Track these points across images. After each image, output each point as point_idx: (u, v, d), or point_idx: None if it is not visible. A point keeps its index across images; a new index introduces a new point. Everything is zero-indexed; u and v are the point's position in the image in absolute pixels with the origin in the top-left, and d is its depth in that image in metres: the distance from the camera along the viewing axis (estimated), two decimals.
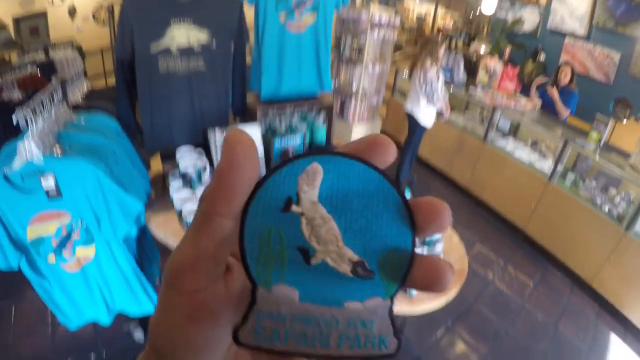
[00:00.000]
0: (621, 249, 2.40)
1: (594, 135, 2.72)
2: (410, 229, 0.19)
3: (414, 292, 1.43)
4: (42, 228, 1.27)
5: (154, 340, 0.22)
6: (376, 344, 0.20)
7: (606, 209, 2.53)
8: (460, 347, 2.22)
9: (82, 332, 2.07)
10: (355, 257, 0.19)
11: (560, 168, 2.82)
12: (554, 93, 3.06)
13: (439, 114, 3.09)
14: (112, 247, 1.42)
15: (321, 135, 1.91)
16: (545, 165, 2.98)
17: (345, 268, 0.19)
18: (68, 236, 1.33)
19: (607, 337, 2.36)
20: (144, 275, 1.52)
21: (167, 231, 1.36)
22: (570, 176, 2.83)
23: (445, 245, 1.57)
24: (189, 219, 1.28)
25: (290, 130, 1.77)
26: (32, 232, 1.26)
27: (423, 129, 3.11)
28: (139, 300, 1.54)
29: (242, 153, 0.18)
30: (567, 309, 2.53)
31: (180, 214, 1.34)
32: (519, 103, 3.28)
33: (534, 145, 3.25)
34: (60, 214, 1.28)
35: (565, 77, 3.04)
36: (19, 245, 1.27)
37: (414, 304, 1.42)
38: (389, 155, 0.20)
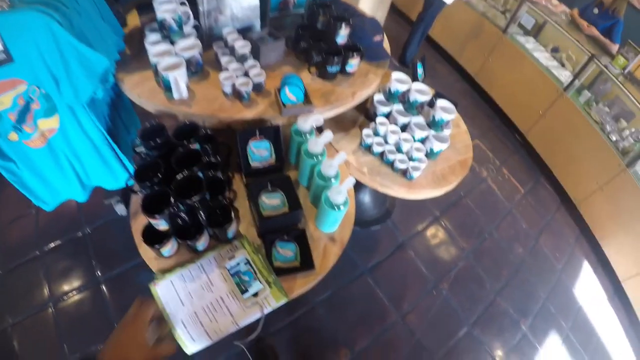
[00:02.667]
0: (616, 183, 2.35)
1: (620, 60, 2.49)
2: None
3: (414, 175, 1.34)
4: None
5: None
6: None
7: (613, 138, 2.42)
8: (443, 238, 2.27)
9: (64, 211, 2.03)
10: None
11: (577, 83, 2.62)
12: (593, 31, 2.70)
13: None
14: (77, 114, 1.24)
15: None
16: (563, 75, 2.77)
17: None
18: (26, 107, 1.13)
19: (580, 263, 2.43)
20: (117, 145, 1.38)
21: (142, 92, 1.18)
22: (586, 94, 2.65)
23: (452, 131, 1.45)
24: (166, 75, 1.10)
25: None
26: None
27: (441, 4, 2.81)
28: (114, 173, 1.42)
29: None
30: (550, 224, 2.56)
31: (155, 69, 1.16)
32: (550, 3, 2.92)
33: (555, 52, 2.99)
34: (15, 82, 1.06)
35: None
36: None
37: (412, 189, 1.34)
38: None
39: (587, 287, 2.31)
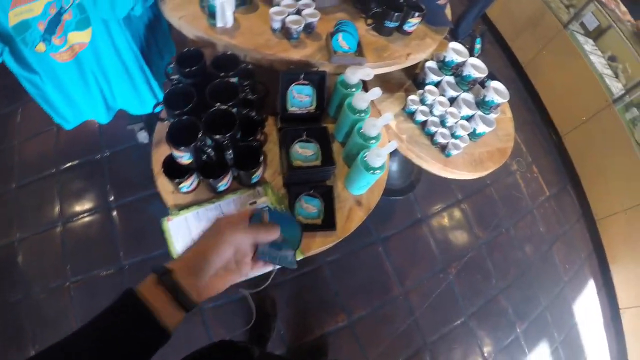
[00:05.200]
0: None
1: None
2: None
3: (452, 153, 1.26)
4: (27, 9, 0.99)
5: (193, 250, 0.51)
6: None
7: None
8: (460, 223, 2.22)
9: (86, 132, 2.01)
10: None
11: (627, 98, 2.45)
12: None
13: None
14: (112, 30, 1.16)
15: None
16: (615, 86, 2.59)
17: None
18: (58, 17, 1.05)
19: (586, 281, 2.37)
20: (150, 69, 1.32)
21: (184, 15, 1.10)
22: (634, 111, 2.48)
23: (498, 116, 1.35)
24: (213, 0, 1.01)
25: None
26: (15, 17, 0.98)
27: None
28: (142, 97, 1.36)
29: None
30: (566, 234, 2.49)
31: None
32: (619, 8, 2.68)
33: (612, 60, 2.79)
34: None
35: None
36: (1, 34, 1.01)
37: (447, 167, 1.28)
38: None
39: (586, 306, 2.27)
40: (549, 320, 2.10)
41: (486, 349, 1.89)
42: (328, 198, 0.99)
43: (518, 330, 2.00)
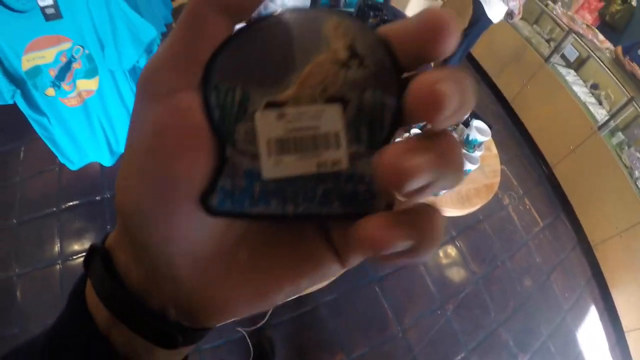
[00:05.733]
0: (636, 232, 2.25)
1: None
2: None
3: (440, 192, 1.32)
4: (39, 55, 1.09)
5: (119, 204, 0.17)
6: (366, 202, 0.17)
7: None
8: (456, 259, 2.24)
9: (88, 173, 2.07)
10: None
11: (612, 123, 2.55)
12: (635, 69, 2.58)
13: (509, 14, 2.68)
14: (117, 80, 1.27)
15: None
16: (599, 113, 2.70)
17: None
18: (68, 65, 1.16)
19: (587, 307, 2.36)
20: None
21: None
22: (619, 136, 2.58)
23: (483, 154, 1.42)
24: None
25: None
26: (27, 62, 1.09)
27: (488, 22, 2.75)
28: None
29: None
30: (563, 262, 2.50)
31: None
32: (597, 38, 2.85)
33: (594, 88, 2.92)
34: (60, 38, 1.09)
35: None
36: (14, 77, 1.11)
37: (435, 206, 1.32)
38: (447, 45, 0.14)
39: (590, 332, 2.25)
40: (552, 350, 2.08)
41: None
42: None
43: None
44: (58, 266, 1.79)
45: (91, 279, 0.19)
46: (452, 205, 1.34)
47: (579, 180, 2.73)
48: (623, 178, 2.40)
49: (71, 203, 1.98)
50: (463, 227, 2.36)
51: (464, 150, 1.35)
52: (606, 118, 2.59)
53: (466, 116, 1.35)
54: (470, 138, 1.33)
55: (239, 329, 0.85)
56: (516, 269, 2.32)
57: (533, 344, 2.06)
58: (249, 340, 0.71)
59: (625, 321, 2.27)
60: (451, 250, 2.27)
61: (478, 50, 3.45)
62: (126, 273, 0.18)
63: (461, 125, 1.43)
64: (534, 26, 3.34)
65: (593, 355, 2.15)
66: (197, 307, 0.19)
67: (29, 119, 1.24)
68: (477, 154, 1.38)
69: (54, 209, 1.95)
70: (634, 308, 2.23)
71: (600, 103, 2.83)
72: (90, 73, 1.22)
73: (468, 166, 1.33)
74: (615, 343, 2.26)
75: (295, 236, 0.19)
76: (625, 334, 2.24)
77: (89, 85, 1.25)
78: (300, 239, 0.19)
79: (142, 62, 1.27)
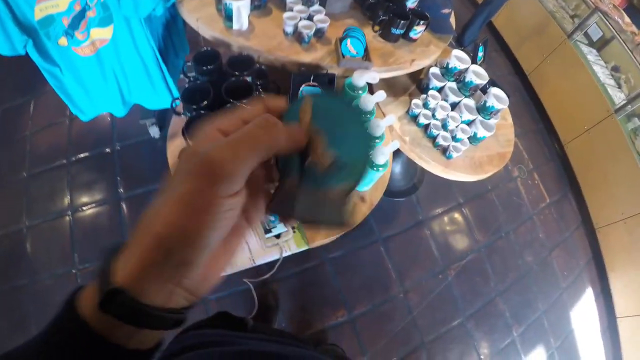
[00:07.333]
0: None
1: None
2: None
3: (453, 155, 1.31)
4: (52, 4, 1.05)
5: (161, 229, 0.24)
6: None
7: None
8: (461, 226, 2.26)
9: (98, 125, 2.07)
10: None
11: (629, 108, 2.49)
12: None
13: None
14: (133, 28, 1.22)
15: None
16: (617, 96, 2.62)
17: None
18: (82, 13, 1.11)
19: (584, 288, 2.39)
20: (166, 66, 1.37)
21: (201, 17, 1.16)
22: (635, 122, 2.51)
23: (498, 122, 1.40)
24: (230, 3, 1.06)
25: None
26: (40, 11, 1.05)
27: None
28: (157, 92, 1.42)
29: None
30: (566, 241, 2.52)
31: None
32: (622, 19, 2.72)
33: (615, 70, 2.82)
34: None
35: None
36: (26, 27, 1.07)
37: (447, 168, 1.32)
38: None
39: (584, 313, 2.30)
40: (546, 325, 2.13)
41: (482, 351, 1.92)
42: None
43: (515, 333, 2.03)
44: (68, 217, 1.82)
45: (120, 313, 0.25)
46: (464, 170, 1.33)
47: (589, 161, 2.70)
48: (634, 164, 2.37)
49: (81, 155, 1.99)
50: (471, 195, 2.36)
51: (479, 117, 1.33)
52: (624, 102, 2.52)
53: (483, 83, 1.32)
54: (487, 105, 1.30)
55: (246, 279, 0.87)
56: (519, 241, 2.34)
57: (528, 316, 2.11)
58: (254, 292, 0.72)
59: (620, 307, 2.31)
60: (457, 216, 2.28)
61: (499, 21, 3.33)
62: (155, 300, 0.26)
63: (479, 91, 1.40)
64: (559, 0, 3.18)
65: (584, 336, 2.21)
66: (197, 285, 0.27)
67: (41, 69, 1.22)
68: (493, 121, 1.36)
69: (64, 161, 1.96)
70: (630, 294, 2.27)
71: (620, 86, 2.74)
72: (105, 21, 1.18)
73: (483, 133, 1.31)
74: (606, 327, 2.31)
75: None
76: (617, 320, 2.29)
77: (103, 33, 1.21)
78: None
79: (159, 10, 1.23)
